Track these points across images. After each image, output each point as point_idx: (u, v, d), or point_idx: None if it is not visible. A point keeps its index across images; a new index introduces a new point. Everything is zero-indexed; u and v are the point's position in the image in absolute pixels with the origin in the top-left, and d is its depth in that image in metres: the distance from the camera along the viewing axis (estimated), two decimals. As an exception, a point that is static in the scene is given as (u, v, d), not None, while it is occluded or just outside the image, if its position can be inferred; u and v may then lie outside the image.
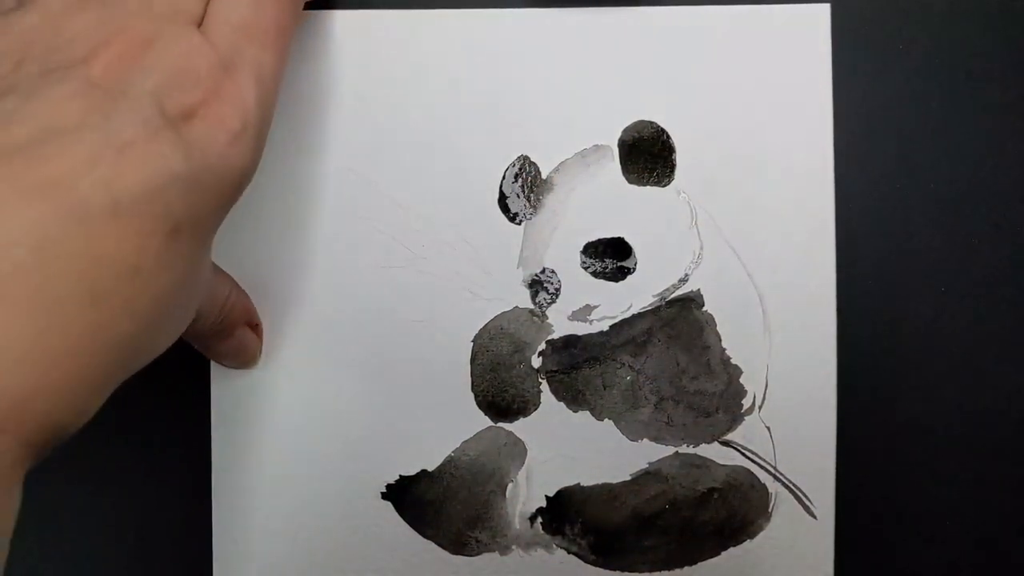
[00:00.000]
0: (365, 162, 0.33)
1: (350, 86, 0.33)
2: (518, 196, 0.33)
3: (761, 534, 0.33)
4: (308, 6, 0.32)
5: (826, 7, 0.33)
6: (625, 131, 0.33)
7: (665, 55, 0.33)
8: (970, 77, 0.33)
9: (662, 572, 0.33)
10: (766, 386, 0.33)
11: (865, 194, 0.33)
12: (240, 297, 0.32)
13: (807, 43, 0.33)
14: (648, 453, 0.33)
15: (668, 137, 0.33)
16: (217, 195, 0.23)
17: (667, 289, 0.33)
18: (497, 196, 0.33)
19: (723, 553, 0.33)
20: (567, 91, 0.33)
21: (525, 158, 0.33)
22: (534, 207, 0.33)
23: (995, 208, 0.33)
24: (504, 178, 0.33)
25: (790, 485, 0.33)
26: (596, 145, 0.33)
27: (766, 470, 0.33)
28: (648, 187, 0.33)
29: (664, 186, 0.33)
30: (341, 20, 0.33)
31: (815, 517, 0.33)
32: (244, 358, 0.33)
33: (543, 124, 0.33)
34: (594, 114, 0.33)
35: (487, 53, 0.33)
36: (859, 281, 0.33)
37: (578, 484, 0.33)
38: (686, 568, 0.33)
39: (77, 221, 0.19)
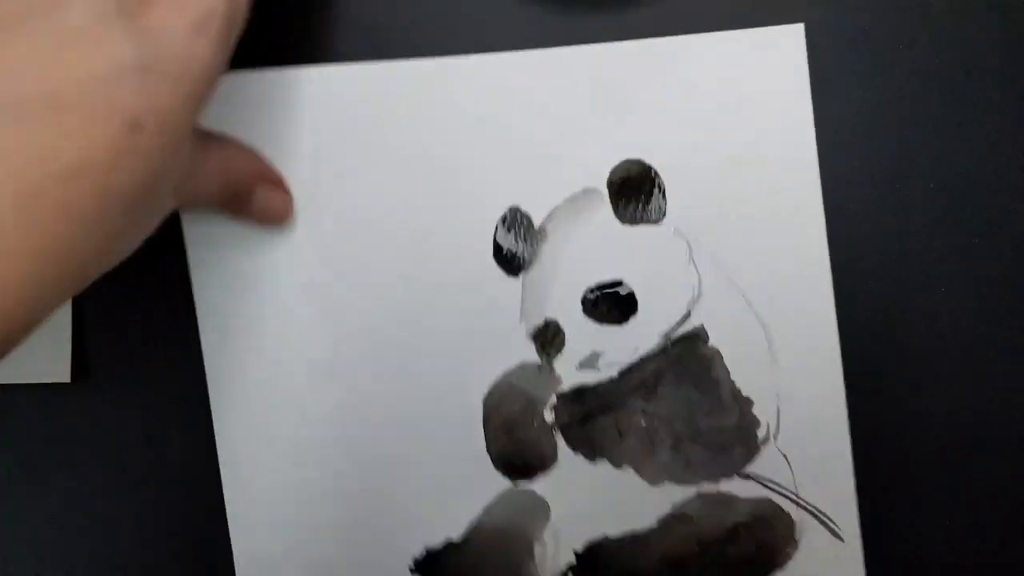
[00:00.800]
0: (355, 229, 0.32)
1: (331, 147, 0.32)
2: (513, 248, 0.32)
3: (790, 563, 0.33)
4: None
5: (800, 27, 0.33)
6: (613, 172, 0.33)
7: (644, 89, 0.33)
8: (970, 77, 0.33)
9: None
10: (778, 413, 0.33)
11: (865, 194, 0.33)
12: (244, 163, 0.30)
13: (784, 65, 0.33)
14: (671, 495, 0.33)
15: (656, 174, 0.33)
16: (182, 87, 0.22)
17: (671, 328, 0.33)
18: (492, 250, 0.32)
19: (753, 585, 0.33)
20: (550, 136, 0.33)
21: (516, 209, 0.32)
22: (530, 258, 0.33)
23: (995, 208, 0.33)
24: (497, 231, 0.32)
25: (813, 510, 0.33)
26: (585, 189, 0.33)
27: (788, 498, 0.33)
28: (641, 226, 0.33)
29: (657, 223, 0.33)
30: (316, 76, 0.32)
31: (842, 539, 0.33)
32: (273, 219, 0.32)
33: (530, 173, 0.33)
34: (579, 157, 0.33)
35: (465, 105, 0.33)
36: (859, 282, 0.33)
37: (605, 536, 0.32)
38: (719, 608, 0.33)
39: (12, 119, 0.19)
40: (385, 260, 0.32)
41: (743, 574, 0.33)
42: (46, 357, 0.32)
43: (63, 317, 0.33)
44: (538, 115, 0.33)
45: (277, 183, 0.32)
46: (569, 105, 0.33)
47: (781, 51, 0.33)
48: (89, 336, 0.33)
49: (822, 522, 0.33)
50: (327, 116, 0.32)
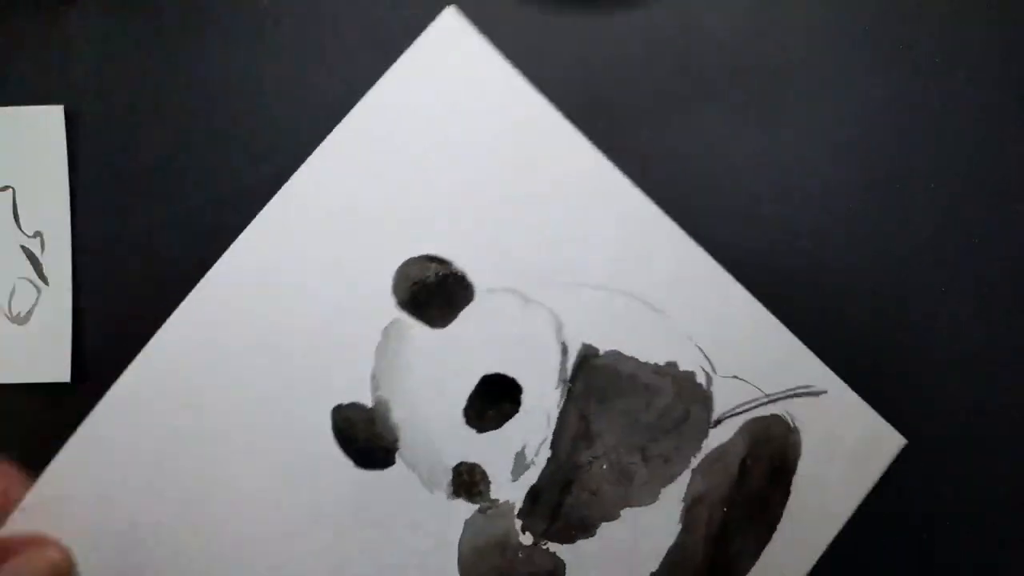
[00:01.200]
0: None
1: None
2: (365, 446, 0.28)
3: (804, 447, 0.32)
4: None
5: None
6: (396, 290, 0.28)
7: (343, 178, 0.27)
8: (970, 77, 0.33)
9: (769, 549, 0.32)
10: (702, 351, 0.30)
11: (866, 194, 0.33)
12: None
13: None
14: (675, 494, 0.31)
15: (439, 259, 0.28)
16: None
17: (561, 371, 0.29)
18: (352, 462, 0.28)
19: (792, 487, 0.32)
20: (312, 306, 0.27)
21: (338, 408, 0.28)
22: (391, 436, 0.28)
23: (995, 208, 0.33)
24: (339, 443, 0.28)
25: (787, 393, 0.31)
26: (384, 328, 0.28)
27: (765, 404, 0.31)
28: (460, 315, 0.28)
29: (472, 299, 0.28)
30: None
31: (827, 391, 0.31)
32: None
33: (321, 363, 0.28)
34: (353, 300, 0.28)
35: (216, 342, 0.27)
36: (859, 282, 0.33)
37: (651, 573, 0.31)
38: (783, 524, 0.32)
39: None
40: (268, 539, 0.28)
41: (777, 490, 0.32)
42: (46, 357, 0.32)
43: (63, 317, 0.32)
44: (294, 295, 0.27)
45: (28, 543, 0.26)
46: (311, 249, 0.27)
47: None
48: (89, 336, 0.33)
49: (804, 394, 0.31)
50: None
